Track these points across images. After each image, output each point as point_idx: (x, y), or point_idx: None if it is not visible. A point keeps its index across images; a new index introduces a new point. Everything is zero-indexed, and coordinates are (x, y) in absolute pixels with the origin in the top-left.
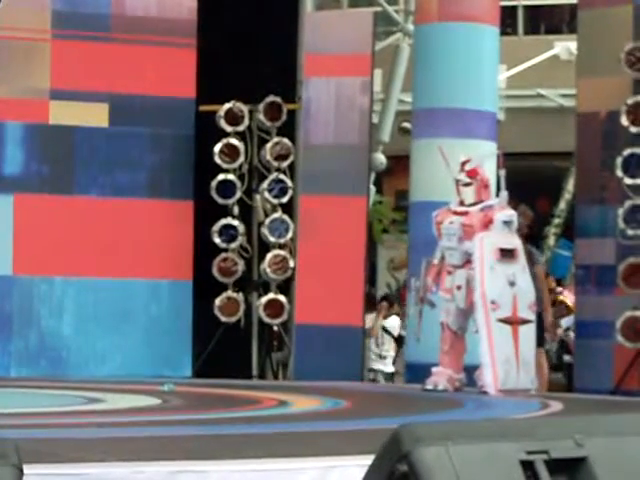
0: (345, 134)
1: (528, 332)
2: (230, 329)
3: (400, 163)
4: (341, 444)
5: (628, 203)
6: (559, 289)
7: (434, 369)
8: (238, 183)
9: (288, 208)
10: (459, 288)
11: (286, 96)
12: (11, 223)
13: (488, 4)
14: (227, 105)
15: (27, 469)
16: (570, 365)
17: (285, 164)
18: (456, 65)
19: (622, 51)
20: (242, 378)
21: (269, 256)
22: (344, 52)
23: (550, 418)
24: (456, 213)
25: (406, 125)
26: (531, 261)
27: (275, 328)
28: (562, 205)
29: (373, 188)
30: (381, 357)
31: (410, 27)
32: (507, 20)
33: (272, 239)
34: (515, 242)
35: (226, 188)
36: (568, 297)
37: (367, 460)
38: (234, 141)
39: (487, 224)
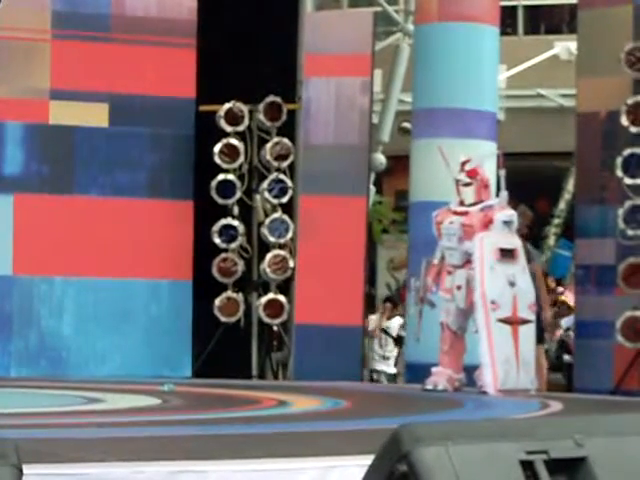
0: (345, 134)
1: (528, 332)
2: (230, 329)
3: (400, 163)
4: (341, 444)
5: (628, 203)
6: (560, 289)
7: (434, 369)
8: (238, 183)
9: (288, 208)
10: (459, 288)
11: (286, 96)
12: (11, 223)
13: (488, 4)
14: (227, 105)
15: (27, 469)
16: (570, 365)
17: (285, 164)
18: (456, 65)
19: (622, 51)
20: (242, 378)
21: (269, 256)
22: (344, 52)
23: (550, 418)
24: (456, 213)
25: (406, 125)
26: (528, 259)
27: (275, 328)
28: (562, 205)
29: (373, 188)
30: (384, 358)
31: (410, 27)
32: (507, 20)
33: (272, 239)
34: (515, 242)
35: (226, 188)
36: (569, 297)
37: (367, 460)
38: (234, 141)
39: (487, 224)
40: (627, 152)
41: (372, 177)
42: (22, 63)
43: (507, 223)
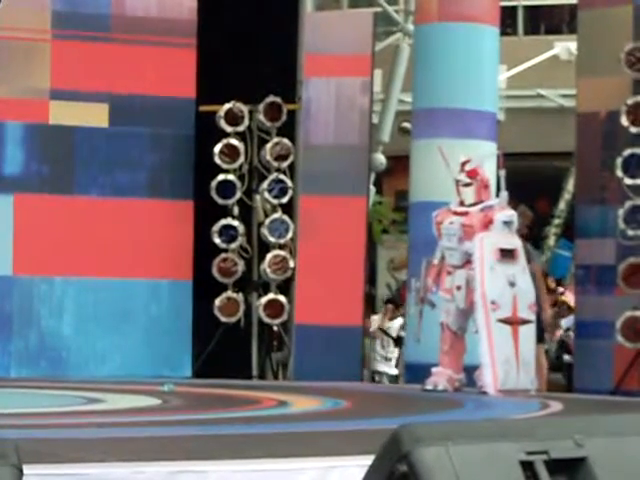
0: (345, 134)
1: (528, 332)
2: (230, 329)
3: (400, 163)
4: (341, 444)
5: (628, 203)
6: (561, 289)
7: (434, 369)
8: (238, 183)
9: (288, 208)
10: (459, 288)
11: (286, 96)
12: (11, 223)
13: (488, 4)
14: (227, 105)
15: (27, 469)
16: (569, 365)
17: (285, 164)
18: (456, 65)
19: (622, 51)
20: (242, 378)
21: (269, 256)
22: (344, 52)
23: (550, 418)
24: (456, 213)
25: (406, 125)
26: (528, 259)
27: (275, 328)
28: (562, 205)
29: (373, 188)
30: (387, 359)
31: (410, 27)
32: (507, 20)
33: (272, 239)
34: (515, 242)
35: (226, 188)
36: (570, 298)
37: (367, 460)
38: (234, 141)
39: (487, 224)
40: (627, 152)
41: (372, 177)
42: (22, 63)
43: (507, 223)
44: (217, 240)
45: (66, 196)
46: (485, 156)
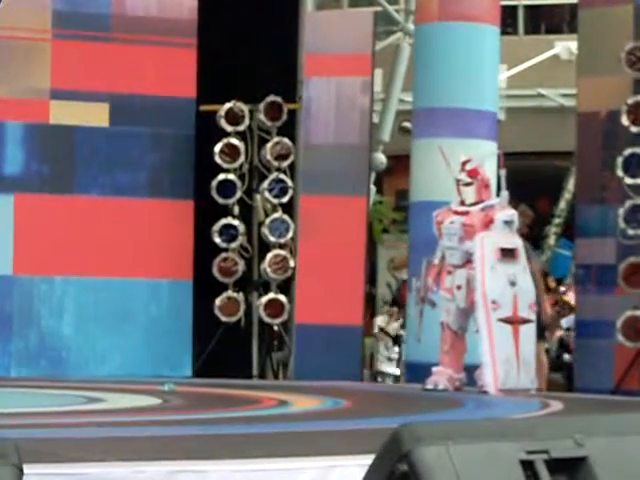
0: (345, 134)
1: (528, 332)
2: (230, 329)
3: (400, 163)
4: (341, 444)
5: (629, 203)
6: (562, 289)
7: (434, 369)
8: (238, 183)
9: (288, 208)
10: (459, 288)
11: (286, 96)
12: (11, 223)
13: (488, 4)
14: (227, 105)
15: (27, 469)
16: (569, 365)
17: (285, 164)
18: (456, 65)
19: (622, 51)
20: (242, 378)
21: (269, 256)
22: (344, 52)
23: (550, 418)
24: (457, 213)
25: (406, 125)
26: (527, 258)
27: (275, 328)
28: (562, 205)
29: (373, 188)
30: (390, 360)
31: (410, 27)
32: (507, 20)
33: (272, 239)
34: (516, 242)
35: (226, 188)
36: (571, 297)
37: (367, 460)
38: (234, 141)
39: (488, 224)
40: (627, 152)
41: (372, 177)
42: (22, 63)
43: (508, 223)
44: (217, 240)
45: (66, 196)
46: (485, 155)
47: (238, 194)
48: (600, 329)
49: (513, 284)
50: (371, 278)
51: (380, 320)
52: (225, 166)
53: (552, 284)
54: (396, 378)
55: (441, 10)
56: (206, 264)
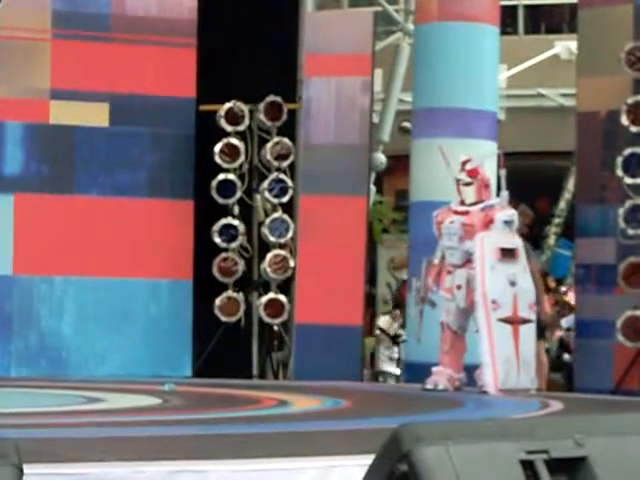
0: (345, 134)
1: (528, 332)
2: (230, 329)
3: (400, 163)
4: (341, 444)
5: (629, 203)
6: (563, 289)
7: (434, 369)
8: (238, 183)
9: (288, 208)
10: (459, 288)
11: (286, 96)
12: (11, 223)
13: (488, 4)
14: (227, 105)
15: (27, 469)
16: (569, 365)
17: (285, 164)
18: (456, 65)
19: (622, 50)
20: (242, 378)
21: (269, 256)
22: (344, 52)
23: (550, 418)
24: (457, 213)
25: (406, 125)
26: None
27: (275, 328)
28: (562, 205)
29: (373, 188)
30: (391, 360)
31: (410, 27)
32: (507, 20)
33: (272, 239)
34: (516, 242)
35: (226, 188)
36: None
37: (367, 460)
38: (234, 141)
39: (488, 224)
40: (627, 151)
41: (372, 177)
42: (22, 63)
43: (508, 223)
44: (217, 239)
45: (66, 196)
46: (485, 155)
47: (238, 194)
48: (600, 329)
49: (513, 284)
50: (371, 278)
51: (382, 321)
52: (225, 166)
53: (552, 284)
54: (398, 378)
55: (441, 10)
56: (206, 264)
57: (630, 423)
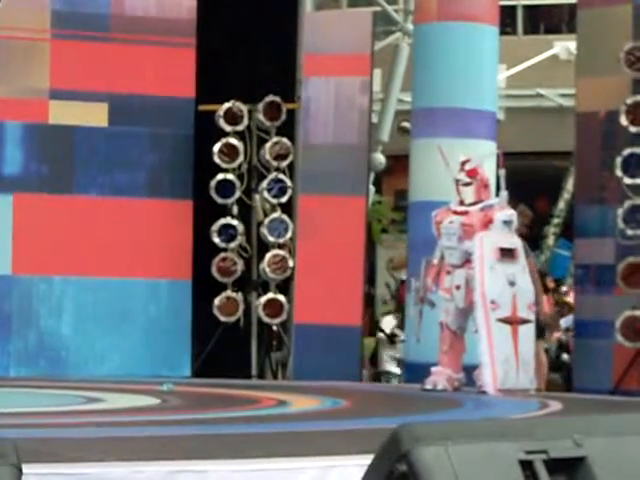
0: (344, 134)
1: (528, 332)
2: (229, 329)
3: (399, 163)
4: (341, 444)
5: (628, 203)
6: (564, 289)
7: (433, 369)
8: (237, 183)
9: (287, 208)
10: (458, 288)
11: (285, 96)
12: (11, 223)
13: (487, 4)
14: (226, 105)
15: (26, 469)
16: (568, 365)
17: (284, 164)
18: (455, 65)
19: (621, 51)
20: (241, 378)
21: (268, 256)
22: (343, 52)
23: (549, 418)
24: (456, 213)
25: (405, 125)
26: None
27: (274, 328)
28: (561, 205)
29: (372, 188)
30: (394, 359)
31: (410, 27)
32: (506, 20)
33: (271, 239)
34: (515, 242)
35: (225, 188)
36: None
37: (366, 460)
38: (233, 141)
39: (487, 224)
40: (626, 152)
41: (371, 177)
42: (22, 63)
43: (507, 223)
44: (216, 239)
45: (65, 196)
46: (485, 155)
47: (237, 194)
48: (599, 329)
49: (512, 284)
50: (370, 278)
51: (386, 321)
52: (224, 166)
53: (551, 284)
54: (400, 378)
55: (440, 10)
56: (205, 264)
57: (629, 423)
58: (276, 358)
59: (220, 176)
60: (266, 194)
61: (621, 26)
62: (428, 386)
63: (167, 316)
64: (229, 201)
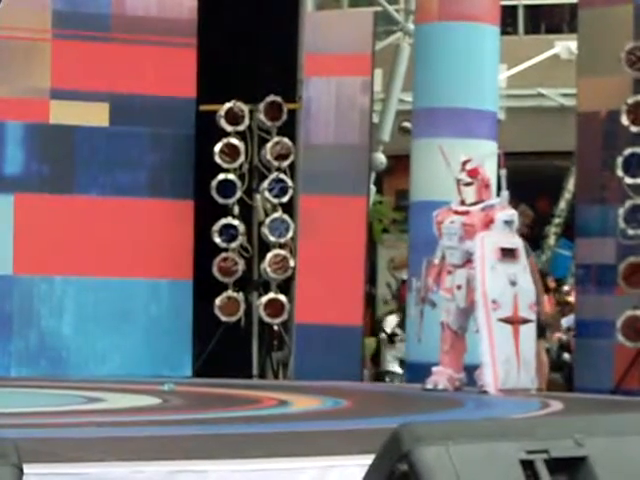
0: (345, 134)
1: (529, 332)
2: (230, 329)
3: (400, 163)
4: (341, 444)
5: (629, 203)
6: (566, 288)
7: (434, 369)
8: (238, 183)
9: (288, 208)
10: (459, 288)
11: (286, 96)
12: (11, 223)
13: (489, 3)
14: (227, 105)
15: (27, 469)
16: (569, 365)
17: (285, 164)
18: (457, 65)
19: (622, 50)
20: (242, 378)
21: (269, 256)
22: (344, 52)
23: (550, 418)
24: (457, 212)
25: (406, 125)
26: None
27: (275, 328)
28: (562, 205)
29: (373, 188)
30: (397, 359)
31: (410, 26)
32: (508, 19)
33: (272, 239)
34: (516, 242)
35: (226, 188)
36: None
37: (367, 460)
38: (234, 141)
39: (488, 224)
40: (628, 151)
41: (372, 177)
42: (22, 63)
43: (508, 223)
44: (217, 239)
45: (66, 196)
46: (486, 155)
47: (238, 194)
48: (600, 329)
49: (513, 284)
50: (371, 278)
51: (389, 321)
52: (225, 166)
53: (552, 284)
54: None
55: (441, 10)
56: (206, 264)
57: (630, 423)
58: (277, 358)
59: (221, 176)
60: (267, 194)
61: (622, 26)
62: (429, 386)
63: (168, 316)
64: (230, 201)
